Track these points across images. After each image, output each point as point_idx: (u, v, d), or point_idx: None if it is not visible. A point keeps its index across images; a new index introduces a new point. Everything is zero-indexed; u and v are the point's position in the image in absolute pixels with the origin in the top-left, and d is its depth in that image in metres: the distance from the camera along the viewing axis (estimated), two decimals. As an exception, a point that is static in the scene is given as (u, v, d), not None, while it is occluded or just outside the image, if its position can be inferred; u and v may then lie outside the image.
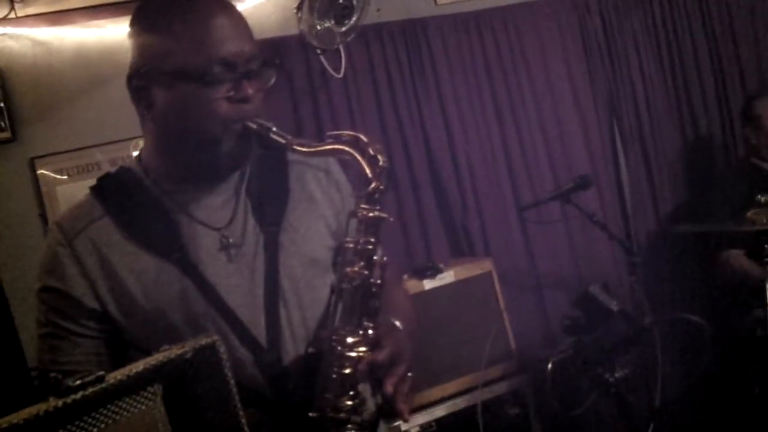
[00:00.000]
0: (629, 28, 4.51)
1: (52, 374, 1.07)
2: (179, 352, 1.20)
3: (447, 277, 3.54)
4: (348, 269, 1.53)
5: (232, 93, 1.52)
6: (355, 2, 3.51)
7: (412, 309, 1.85)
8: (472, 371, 3.41)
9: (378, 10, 3.89)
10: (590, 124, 4.41)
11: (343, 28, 3.53)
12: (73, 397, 1.04)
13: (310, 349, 1.58)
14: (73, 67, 3.59)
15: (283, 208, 1.67)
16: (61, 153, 3.56)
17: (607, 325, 2.96)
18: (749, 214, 2.96)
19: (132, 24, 1.61)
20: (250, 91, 1.53)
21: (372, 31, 3.91)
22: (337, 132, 1.54)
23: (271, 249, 1.62)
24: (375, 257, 1.53)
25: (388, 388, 1.47)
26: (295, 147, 1.53)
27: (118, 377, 1.10)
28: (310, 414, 1.51)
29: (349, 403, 1.51)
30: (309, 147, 1.53)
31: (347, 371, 1.50)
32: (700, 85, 4.66)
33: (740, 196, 3.77)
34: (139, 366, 1.14)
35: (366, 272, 1.52)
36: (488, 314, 3.56)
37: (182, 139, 1.57)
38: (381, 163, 1.51)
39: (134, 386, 1.15)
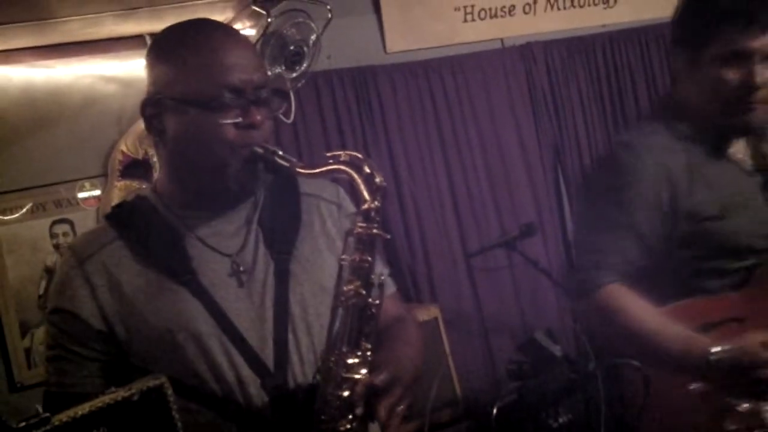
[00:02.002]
0: (573, 77, 4.61)
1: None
2: (126, 394, 1.20)
3: (393, 322, 3.53)
4: (345, 288, 1.52)
5: (239, 119, 1.55)
6: (305, 49, 3.55)
7: (419, 341, 1.84)
8: (417, 417, 3.40)
9: (328, 57, 3.93)
10: (536, 171, 4.48)
11: (294, 74, 3.56)
12: (17, 439, 1.03)
13: (318, 377, 1.56)
14: (19, 107, 3.56)
15: (294, 237, 1.69)
16: (4, 193, 3.52)
17: (552, 371, 2.99)
18: None
19: (147, 55, 1.67)
20: (258, 118, 1.56)
21: (322, 77, 3.95)
22: (335, 152, 1.56)
23: (282, 276, 1.64)
24: (372, 276, 1.53)
25: (381, 412, 1.46)
26: (297, 170, 1.55)
27: (63, 419, 1.09)
28: None
29: (348, 426, 1.49)
30: (310, 169, 1.56)
31: (345, 393, 1.49)
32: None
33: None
34: (84, 408, 1.13)
35: (363, 291, 1.51)
36: (434, 360, 3.56)
37: (192, 164, 1.61)
38: (377, 181, 1.53)
39: (80, 429, 1.13)
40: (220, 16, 3.50)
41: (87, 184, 3.67)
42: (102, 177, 3.68)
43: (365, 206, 1.52)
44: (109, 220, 1.68)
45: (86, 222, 3.63)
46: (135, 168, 3.68)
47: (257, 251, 1.66)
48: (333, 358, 1.51)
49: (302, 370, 1.61)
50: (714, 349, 1.93)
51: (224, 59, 1.57)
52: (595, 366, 3.01)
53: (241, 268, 1.63)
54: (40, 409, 1.11)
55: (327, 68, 3.98)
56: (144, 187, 3.63)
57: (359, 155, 1.55)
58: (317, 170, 1.56)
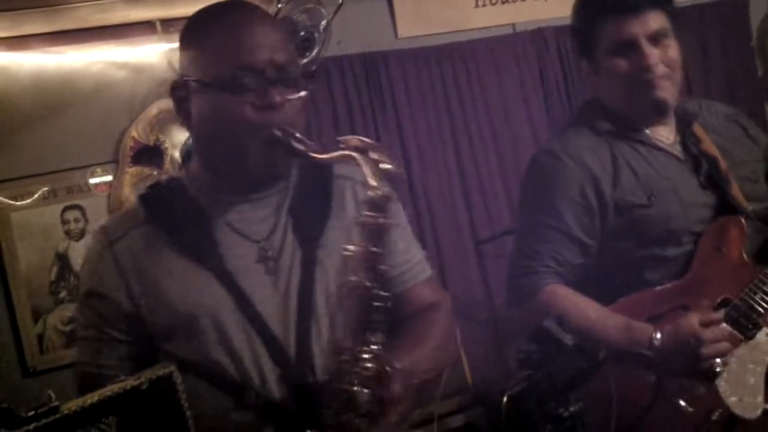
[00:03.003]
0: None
1: (4, 405, 1.05)
2: (135, 383, 1.20)
3: (404, 309, 3.53)
4: (350, 279, 1.50)
5: (259, 99, 1.54)
6: (316, 35, 3.53)
7: (448, 331, 1.82)
8: (428, 404, 3.41)
9: (339, 42, 3.92)
10: (547, 159, 4.46)
11: (304, 60, 3.54)
12: (25, 428, 1.03)
13: (331, 379, 1.53)
14: (30, 93, 3.57)
15: (323, 225, 1.67)
16: (16, 179, 3.53)
17: (562, 359, 2.99)
18: None
19: (180, 38, 1.67)
20: (278, 98, 1.54)
21: (333, 63, 3.94)
22: (347, 137, 1.53)
23: (308, 264, 1.63)
24: (381, 267, 1.50)
25: (390, 417, 1.46)
26: (311, 154, 1.53)
27: (73, 408, 1.09)
28: (308, 431, 1.50)
29: (354, 420, 1.47)
30: (323, 154, 1.53)
31: (348, 387, 1.47)
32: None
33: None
34: (94, 397, 1.13)
35: (368, 284, 1.48)
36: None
37: (214, 147, 1.61)
38: (386, 167, 1.49)
39: (89, 418, 1.14)
40: (231, 2, 3.50)
41: (98, 170, 3.68)
42: (113, 163, 3.69)
43: (371, 193, 1.49)
44: (141, 200, 1.68)
45: (98, 208, 3.64)
46: (146, 154, 3.69)
47: (285, 238, 1.65)
48: (338, 351, 1.50)
49: (323, 361, 1.59)
50: (656, 335, 1.96)
51: (243, 39, 1.56)
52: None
53: (269, 254, 1.63)
54: (53, 395, 1.11)
55: (338, 54, 3.96)
56: (155, 172, 3.64)
57: (369, 141, 1.52)
58: (327, 156, 1.53)
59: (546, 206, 2.11)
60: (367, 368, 1.47)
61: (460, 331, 3.64)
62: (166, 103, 3.68)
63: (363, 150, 1.50)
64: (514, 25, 4.51)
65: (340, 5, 3.61)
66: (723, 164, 2.13)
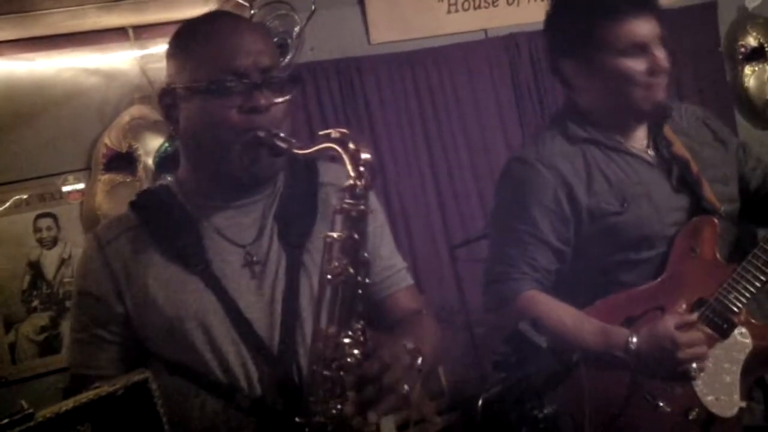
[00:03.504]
0: (558, 69, 4.61)
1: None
2: (110, 389, 1.20)
3: (379, 313, 3.53)
4: (332, 266, 1.50)
5: (244, 102, 1.56)
6: (289, 41, 3.54)
7: (434, 335, 1.82)
8: (404, 408, 3.41)
9: (312, 48, 3.93)
10: (520, 164, 4.48)
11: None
12: (0, 436, 1.03)
13: (315, 367, 1.55)
14: (1, 101, 3.54)
15: (309, 230, 1.70)
16: (-14, 187, 3.50)
17: (537, 362, 3.00)
18: None
19: (167, 48, 1.70)
20: (262, 101, 1.57)
21: (306, 69, 3.94)
22: (327, 131, 1.54)
23: (293, 269, 1.65)
24: (361, 254, 1.51)
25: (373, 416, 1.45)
26: (294, 151, 1.55)
27: (48, 415, 1.09)
28: (297, 419, 1.51)
29: (338, 408, 1.48)
30: (306, 149, 1.55)
31: (334, 374, 1.48)
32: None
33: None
34: (69, 404, 1.13)
35: (351, 270, 1.49)
36: (420, 351, 3.56)
37: (201, 151, 1.64)
38: (365, 158, 1.51)
39: (64, 425, 1.13)
40: (203, 8, 3.49)
41: (71, 178, 3.65)
42: (86, 170, 3.67)
43: (351, 182, 1.50)
44: (133, 206, 1.71)
45: (70, 216, 3.62)
46: (119, 161, 3.66)
47: (271, 243, 1.67)
48: (322, 338, 1.50)
49: (307, 363, 1.59)
50: (632, 339, 1.98)
51: (227, 44, 1.59)
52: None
53: (255, 259, 1.65)
54: (26, 405, 1.11)
55: (311, 60, 3.97)
56: (128, 180, 3.62)
57: (346, 131, 1.53)
58: (310, 150, 1.55)
59: (520, 213, 2.12)
60: (352, 354, 1.48)
61: (435, 336, 3.66)
62: (139, 110, 3.67)
63: (342, 141, 1.51)
64: (486, 30, 4.54)
65: (313, 11, 3.62)
66: (694, 166, 2.15)
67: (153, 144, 3.68)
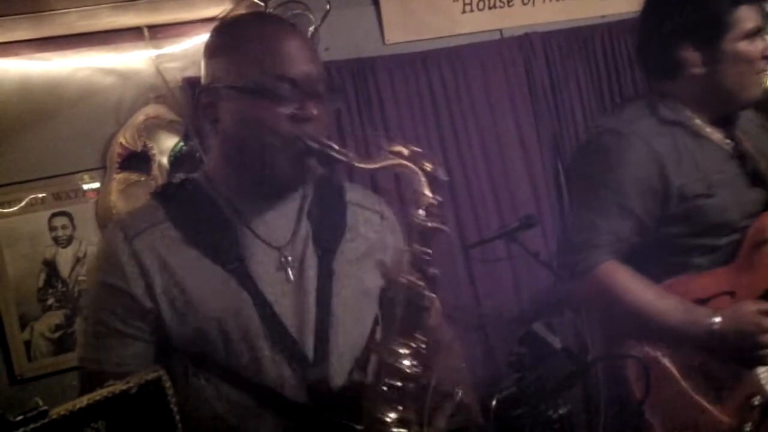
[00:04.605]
0: (572, 68, 4.61)
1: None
2: (124, 387, 1.19)
3: (392, 314, 3.53)
4: (403, 279, 1.52)
5: (296, 111, 1.57)
6: (304, 40, 3.53)
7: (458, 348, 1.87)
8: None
9: (327, 48, 3.92)
10: (534, 162, 4.48)
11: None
12: (14, 433, 1.03)
13: (355, 375, 1.59)
14: (17, 100, 3.55)
15: (340, 238, 1.71)
16: (3, 186, 3.52)
17: (551, 363, 3.00)
18: None
19: (207, 46, 1.69)
20: (314, 112, 1.58)
21: (321, 68, 3.94)
22: (395, 146, 1.55)
23: (327, 275, 1.66)
24: (430, 269, 1.53)
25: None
26: (356, 164, 1.55)
27: (61, 413, 1.09)
28: (357, 427, 1.51)
29: (395, 416, 1.50)
30: (371, 164, 1.56)
31: (396, 384, 1.49)
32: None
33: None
34: (83, 401, 1.13)
35: (420, 283, 1.52)
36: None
37: (244, 153, 1.62)
38: (439, 176, 1.53)
39: (78, 422, 1.13)
40: (219, 8, 3.50)
41: (86, 177, 3.66)
42: (101, 169, 3.68)
43: (426, 200, 1.52)
44: (158, 200, 1.67)
45: (85, 215, 3.63)
46: (133, 160, 3.67)
47: (306, 246, 1.67)
48: (385, 347, 1.52)
49: (340, 369, 1.62)
50: (715, 319, 2.01)
51: (282, 50, 1.59)
52: (593, 357, 3.01)
53: (289, 260, 1.65)
54: (40, 402, 1.11)
55: (325, 60, 3.95)
56: (143, 179, 3.63)
57: (419, 150, 1.55)
58: (378, 165, 1.56)
59: (610, 183, 2.13)
60: (411, 366, 1.50)
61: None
62: (154, 110, 3.68)
63: (414, 159, 1.52)
64: (501, 30, 4.53)
65: (328, 11, 3.62)
66: (763, 164, 2.22)
67: (168, 143, 3.69)
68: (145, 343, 1.61)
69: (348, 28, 4.11)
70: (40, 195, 3.57)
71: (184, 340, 1.59)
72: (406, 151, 1.53)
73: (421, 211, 1.52)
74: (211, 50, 1.67)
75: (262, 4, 3.39)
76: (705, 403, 2.04)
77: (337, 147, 1.56)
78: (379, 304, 1.73)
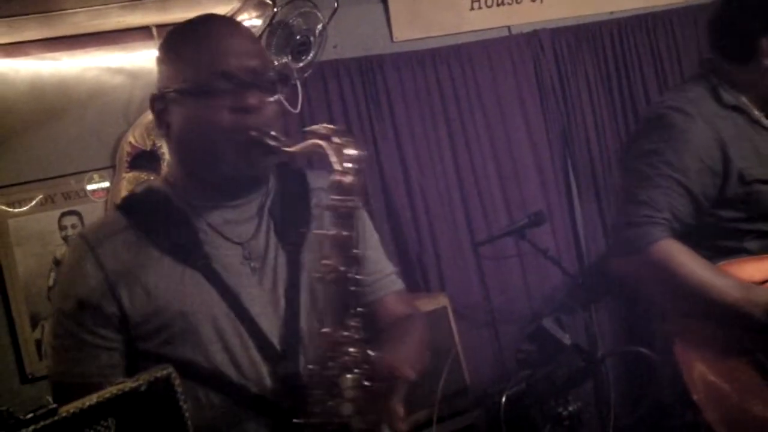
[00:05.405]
0: (581, 64, 4.60)
1: (3, 408, 1.05)
2: (133, 385, 1.20)
3: (402, 311, 3.53)
4: (323, 263, 1.51)
5: (234, 103, 1.57)
6: (312, 39, 3.54)
7: (422, 338, 1.81)
8: (426, 407, 3.40)
9: (335, 46, 3.93)
10: (544, 160, 4.47)
11: (300, 64, 3.55)
12: (24, 430, 1.03)
13: (312, 366, 1.57)
14: (27, 100, 3.56)
15: (305, 228, 1.72)
16: (13, 185, 3.53)
17: (561, 359, 3.00)
18: None
19: (157, 55, 1.72)
20: (252, 101, 1.58)
21: (329, 67, 3.94)
22: (313, 127, 1.56)
23: (294, 265, 1.67)
24: (352, 250, 1.52)
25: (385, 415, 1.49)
26: (283, 149, 1.57)
27: (71, 410, 1.09)
28: (294, 420, 1.51)
29: (336, 408, 1.48)
30: (293, 146, 1.57)
31: (331, 373, 1.49)
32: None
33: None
34: (92, 399, 1.13)
35: (342, 267, 1.50)
36: (443, 349, 3.56)
37: (193, 153, 1.64)
38: (352, 153, 1.52)
39: (87, 420, 1.14)
40: (226, 7, 3.50)
41: (95, 176, 3.67)
42: (110, 168, 3.69)
43: (337, 178, 1.51)
44: (121, 209, 1.69)
45: (95, 214, 3.64)
46: (143, 159, 3.69)
47: (268, 240, 1.68)
48: (319, 337, 1.51)
49: (312, 358, 1.61)
50: None
51: (217, 46, 1.61)
52: (603, 353, 3.01)
53: (253, 256, 1.65)
54: (51, 400, 1.11)
55: (334, 58, 3.97)
56: (153, 178, 3.64)
57: (334, 127, 1.56)
58: (298, 147, 1.57)
59: (672, 160, 2.14)
60: (349, 353, 1.48)
61: (458, 333, 3.65)
62: (163, 108, 3.69)
63: (328, 137, 1.53)
64: (509, 27, 4.52)
65: (336, 9, 3.61)
66: None
67: (177, 142, 3.70)
68: (112, 352, 1.60)
69: (356, 26, 4.12)
70: (50, 194, 3.58)
71: (154, 342, 1.58)
72: (321, 130, 1.54)
73: (334, 191, 1.51)
74: (159, 58, 1.70)
75: (270, 2, 3.39)
76: (757, 385, 2.04)
77: (273, 134, 1.57)
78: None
